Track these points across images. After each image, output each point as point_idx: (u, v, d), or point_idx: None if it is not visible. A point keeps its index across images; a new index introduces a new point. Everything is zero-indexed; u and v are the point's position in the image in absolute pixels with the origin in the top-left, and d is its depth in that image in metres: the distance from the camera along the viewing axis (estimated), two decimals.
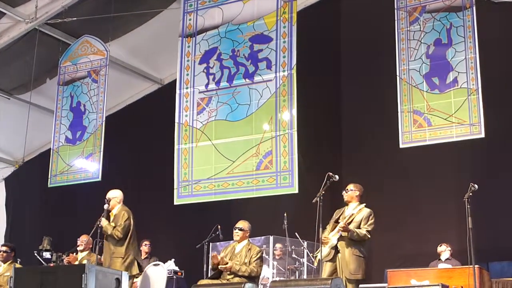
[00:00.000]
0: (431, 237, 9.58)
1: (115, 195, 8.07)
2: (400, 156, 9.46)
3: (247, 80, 9.74)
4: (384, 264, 8.97)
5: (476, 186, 6.90)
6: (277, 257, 10.04)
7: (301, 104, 9.37)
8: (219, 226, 8.97)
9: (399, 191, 10.16)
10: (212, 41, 10.10)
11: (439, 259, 9.18)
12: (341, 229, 7.02)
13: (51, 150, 11.18)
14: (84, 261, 8.16)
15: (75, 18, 10.71)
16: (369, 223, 7.12)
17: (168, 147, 10.16)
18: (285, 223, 9.13)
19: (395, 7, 9.10)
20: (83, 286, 6.05)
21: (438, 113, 8.56)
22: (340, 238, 7.06)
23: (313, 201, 7.01)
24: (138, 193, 11.36)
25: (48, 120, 11.65)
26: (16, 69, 12.11)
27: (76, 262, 8.60)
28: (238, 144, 9.55)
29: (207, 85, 9.99)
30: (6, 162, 13.68)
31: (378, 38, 10.19)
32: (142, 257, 9.52)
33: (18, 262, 8.85)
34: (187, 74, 10.13)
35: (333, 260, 7.10)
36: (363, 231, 7.05)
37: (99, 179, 10.49)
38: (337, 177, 7.13)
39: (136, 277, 8.04)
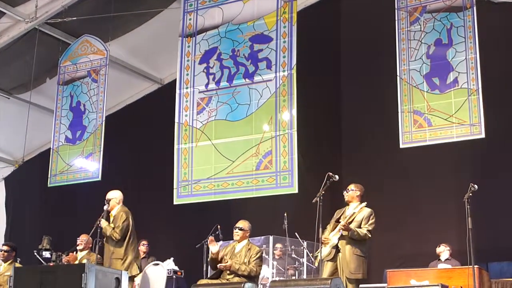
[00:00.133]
0: (431, 237, 9.58)
1: (114, 196, 8.07)
2: (400, 156, 9.46)
3: (247, 80, 9.73)
4: (384, 264, 8.97)
5: (476, 186, 6.90)
6: (277, 257, 10.03)
7: (301, 104, 9.36)
8: (218, 226, 8.95)
9: (399, 191, 10.16)
10: (212, 41, 10.10)
11: (439, 259, 9.18)
12: (342, 228, 7.02)
13: (51, 150, 11.17)
14: (84, 261, 8.16)
15: (75, 18, 10.70)
16: (369, 222, 7.13)
17: (168, 147, 10.15)
18: (285, 223, 9.12)
19: (396, 7, 9.09)
20: (82, 286, 6.04)
21: (439, 113, 8.55)
22: (341, 237, 7.07)
23: (313, 201, 7.02)
24: (138, 193, 11.36)
25: (48, 120, 11.64)
26: (16, 68, 12.11)
27: (76, 262, 8.60)
28: (238, 144, 9.55)
29: (207, 85, 9.98)
30: (6, 161, 13.67)
31: (378, 38, 10.19)
32: (140, 257, 9.51)
33: (18, 261, 8.85)
34: (187, 74, 10.13)
35: (333, 259, 7.11)
36: (363, 230, 7.05)
37: (99, 178, 10.47)
38: (337, 177, 7.13)
39: (135, 277, 8.04)
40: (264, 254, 8.36)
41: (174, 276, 9.52)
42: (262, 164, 9.32)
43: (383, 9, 9.58)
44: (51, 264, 8.51)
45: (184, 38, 10.25)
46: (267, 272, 9.65)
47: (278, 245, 10.02)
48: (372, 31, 10.52)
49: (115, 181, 9.18)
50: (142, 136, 12.46)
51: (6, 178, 13.86)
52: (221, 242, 8.21)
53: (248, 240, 7.53)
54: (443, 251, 9.21)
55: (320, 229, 6.98)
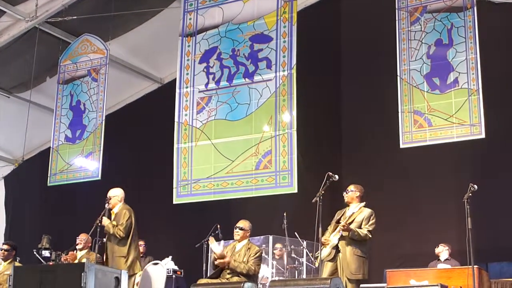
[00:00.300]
0: (430, 237, 9.58)
1: (116, 194, 8.06)
2: (400, 156, 9.46)
3: (247, 79, 9.73)
4: (384, 264, 8.96)
5: (475, 186, 6.90)
6: (276, 256, 10.03)
7: (301, 104, 9.35)
8: (218, 226, 8.96)
9: (399, 191, 10.16)
10: (212, 40, 10.09)
11: (439, 259, 9.18)
12: (342, 228, 7.02)
13: (51, 149, 11.16)
14: (84, 260, 8.15)
15: (75, 17, 10.69)
16: (370, 223, 7.13)
17: (168, 146, 10.15)
18: (285, 222, 9.11)
19: (396, 7, 9.09)
20: (82, 285, 6.03)
21: (439, 113, 8.55)
22: (341, 238, 7.06)
23: (313, 201, 7.01)
24: (138, 192, 11.34)
25: (48, 119, 11.64)
26: (16, 67, 12.10)
27: (76, 261, 8.59)
28: (237, 144, 9.54)
29: (207, 84, 9.98)
30: (5, 160, 13.67)
31: (379, 38, 10.18)
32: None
33: (17, 260, 8.84)
34: (187, 73, 10.12)
35: (334, 260, 7.10)
36: (364, 231, 7.05)
37: (99, 178, 10.47)
38: (336, 177, 7.13)
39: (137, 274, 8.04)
40: (263, 254, 8.35)
41: (173, 276, 9.52)
42: (261, 163, 9.32)
43: (384, 9, 9.57)
44: (51, 263, 8.51)
45: (184, 38, 10.25)
46: (267, 272, 9.65)
47: (278, 245, 10.01)
48: (372, 31, 10.51)
49: (115, 181, 9.16)
50: (142, 136, 12.46)
51: (6, 177, 13.85)
52: (222, 242, 8.22)
53: (248, 239, 7.54)
54: (442, 251, 9.21)
55: (320, 229, 6.97)
